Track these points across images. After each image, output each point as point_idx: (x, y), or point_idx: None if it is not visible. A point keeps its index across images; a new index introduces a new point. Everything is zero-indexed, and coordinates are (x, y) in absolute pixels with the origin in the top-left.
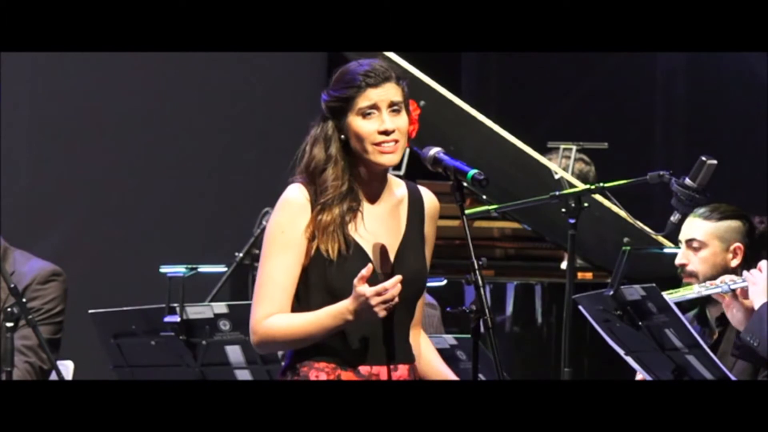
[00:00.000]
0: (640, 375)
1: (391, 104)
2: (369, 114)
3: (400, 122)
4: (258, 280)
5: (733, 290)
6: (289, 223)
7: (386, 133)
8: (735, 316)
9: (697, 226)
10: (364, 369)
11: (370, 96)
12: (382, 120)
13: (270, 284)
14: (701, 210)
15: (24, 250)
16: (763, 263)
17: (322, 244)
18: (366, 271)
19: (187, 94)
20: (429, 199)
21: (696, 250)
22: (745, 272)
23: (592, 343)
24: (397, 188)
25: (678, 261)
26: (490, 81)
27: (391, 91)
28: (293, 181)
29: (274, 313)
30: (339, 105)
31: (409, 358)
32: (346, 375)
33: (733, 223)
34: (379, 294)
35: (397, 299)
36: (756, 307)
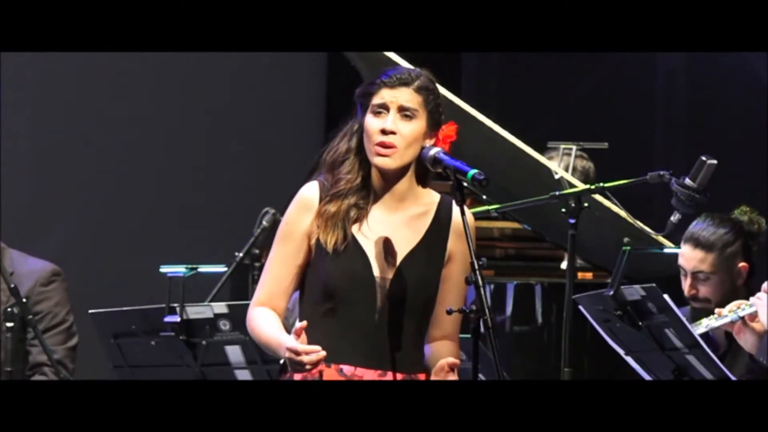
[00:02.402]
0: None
1: (402, 108)
2: (379, 113)
3: (406, 128)
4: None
5: (742, 317)
6: (292, 216)
7: (384, 132)
8: (747, 341)
9: (701, 259)
10: (347, 369)
11: (382, 95)
12: (386, 120)
13: (267, 273)
14: (700, 238)
15: (24, 250)
16: (766, 284)
17: (322, 235)
18: (299, 327)
19: (187, 94)
20: (458, 216)
21: (703, 280)
22: (752, 298)
23: (592, 343)
24: (426, 198)
25: (688, 293)
26: (490, 81)
27: (403, 96)
28: (312, 179)
29: (263, 302)
30: (360, 101)
31: (410, 368)
32: (329, 372)
33: (734, 246)
34: (293, 352)
35: (311, 369)
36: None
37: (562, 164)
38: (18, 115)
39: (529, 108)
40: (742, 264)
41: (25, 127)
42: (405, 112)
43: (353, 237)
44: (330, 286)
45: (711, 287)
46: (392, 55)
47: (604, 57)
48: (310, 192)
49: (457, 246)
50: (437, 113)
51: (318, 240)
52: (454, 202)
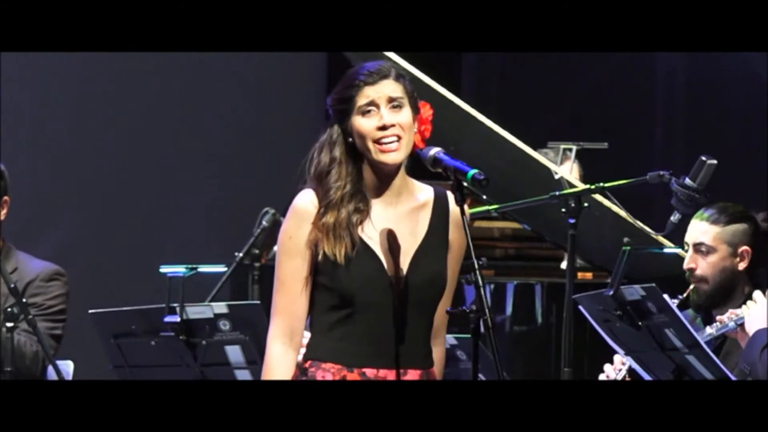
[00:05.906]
0: (604, 375)
1: (390, 100)
2: (368, 112)
3: (401, 118)
4: (274, 286)
5: (740, 325)
6: (295, 228)
7: (384, 127)
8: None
9: (704, 230)
10: (370, 372)
11: (367, 93)
12: (381, 116)
13: (282, 292)
14: (707, 212)
15: (24, 250)
16: (757, 293)
17: (327, 247)
18: None
19: (187, 94)
20: (455, 206)
21: (704, 254)
22: (744, 306)
23: (592, 343)
24: (420, 192)
25: (686, 265)
26: (490, 81)
27: (388, 88)
28: (304, 188)
29: (284, 331)
30: (341, 107)
31: (423, 363)
32: (352, 377)
33: (740, 226)
34: None
35: None
36: (750, 335)
37: (563, 165)
38: (18, 115)
39: (529, 108)
40: (745, 247)
41: (25, 128)
42: (394, 103)
43: (361, 241)
44: (346, 293)
45: (710, 263)
46: (392, 55)
47: (604, 57)
48: (305, 201)
49: (455, 236)
50: (415, 96)
51: (324, 252)
52: (448, 192)
